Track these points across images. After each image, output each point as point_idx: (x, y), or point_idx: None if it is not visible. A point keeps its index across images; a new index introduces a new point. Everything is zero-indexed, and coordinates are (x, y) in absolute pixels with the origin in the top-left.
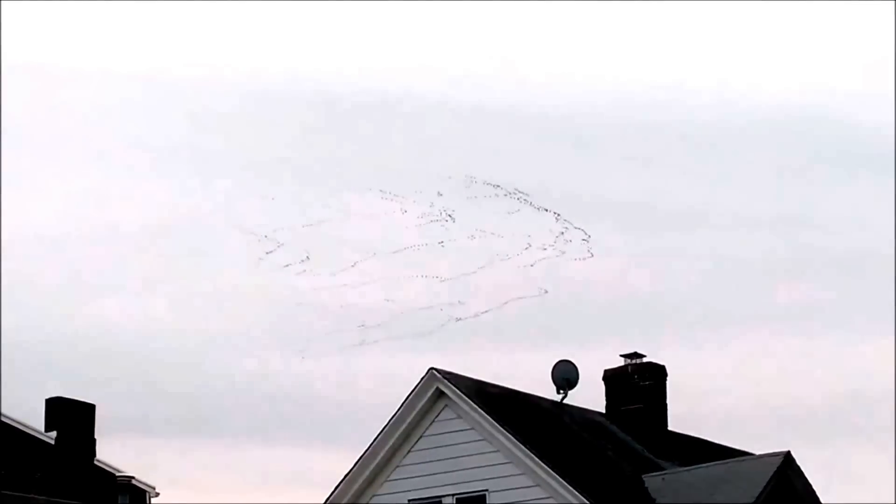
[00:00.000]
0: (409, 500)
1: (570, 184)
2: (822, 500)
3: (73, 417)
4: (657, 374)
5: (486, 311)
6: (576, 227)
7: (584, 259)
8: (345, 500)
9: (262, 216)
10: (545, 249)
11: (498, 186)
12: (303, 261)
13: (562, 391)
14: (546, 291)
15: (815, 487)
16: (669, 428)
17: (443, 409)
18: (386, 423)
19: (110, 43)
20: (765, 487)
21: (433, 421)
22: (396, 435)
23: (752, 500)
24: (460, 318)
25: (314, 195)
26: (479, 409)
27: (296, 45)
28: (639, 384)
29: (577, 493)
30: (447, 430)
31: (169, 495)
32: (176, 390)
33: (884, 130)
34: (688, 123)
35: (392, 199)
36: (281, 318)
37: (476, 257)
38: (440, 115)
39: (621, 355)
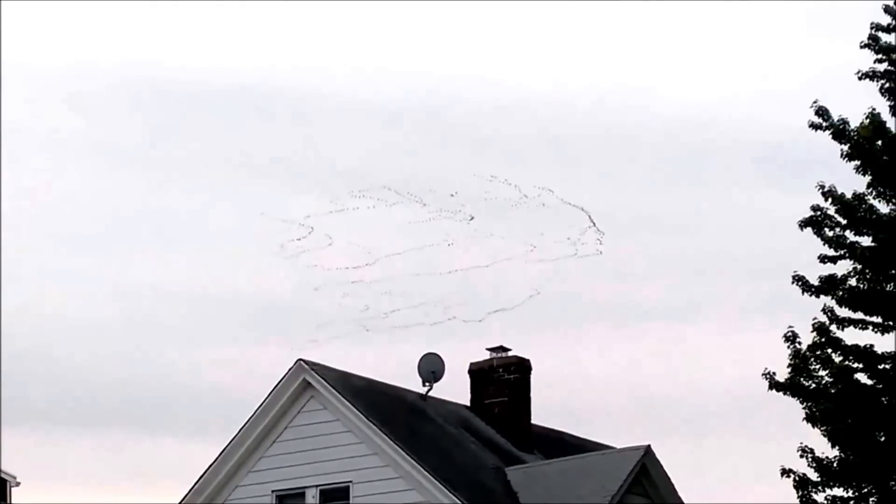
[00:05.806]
0: (272, 491)
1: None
2: (680, 494)
3: None
4: (522, 368)
5: (481, 320)
6: (593, 225)
7: (590, 256)
8: (208, 491)
9: (275, 209)
10: (572, 245)
11: (516, 187)
12: (322, 248)
13: (427, 384)
14: (539, 293)
15: (674, 481)
16: (533, 422)
17: (309, 400)
18: (252, 413)
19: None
20: (625, 480)
21: (299, 412)
22: (262, 426)
23: (613, 492)
24: (454, 318)
25: (330, 191)
26: (345, 401)
27: (304, 44)
28: (503, 378)
29: (440, 485)
30: (313, 422)
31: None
32: (56, 381)
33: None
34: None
35: (406, 198)
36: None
37: (485, 256)
38: (459, 115)
39: (487, 349)
